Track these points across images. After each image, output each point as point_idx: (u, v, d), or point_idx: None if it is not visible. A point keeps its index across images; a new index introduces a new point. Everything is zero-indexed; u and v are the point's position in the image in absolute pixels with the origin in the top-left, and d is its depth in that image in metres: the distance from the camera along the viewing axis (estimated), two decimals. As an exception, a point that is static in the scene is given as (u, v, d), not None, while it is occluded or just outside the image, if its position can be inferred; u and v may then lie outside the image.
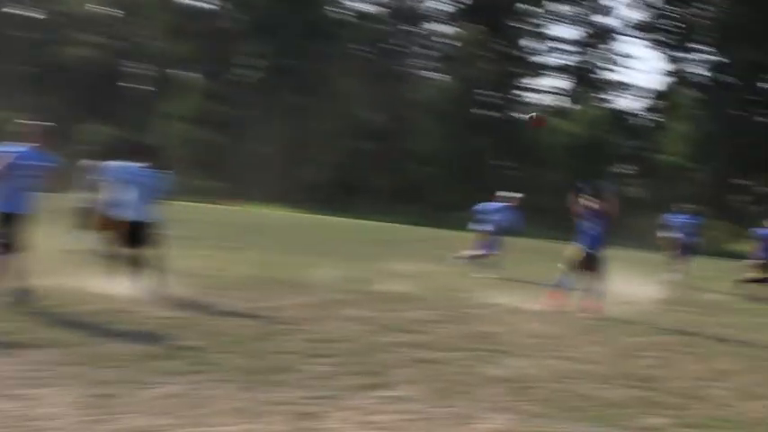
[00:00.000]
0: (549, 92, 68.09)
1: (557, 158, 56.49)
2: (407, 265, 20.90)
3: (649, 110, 65.97)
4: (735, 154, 58.59)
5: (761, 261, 21.41)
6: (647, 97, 66.75)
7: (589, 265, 15.13)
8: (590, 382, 9.21)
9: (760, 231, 21.92)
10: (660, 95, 64.64)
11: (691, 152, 57.23)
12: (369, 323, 11.77)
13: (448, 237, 37.20)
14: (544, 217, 50.62)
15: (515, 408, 7.84)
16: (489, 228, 20.53)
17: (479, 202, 21.31)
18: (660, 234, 24.46)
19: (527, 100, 66.74)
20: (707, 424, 7.88)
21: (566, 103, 65.72)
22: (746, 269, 21.71)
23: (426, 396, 8.00)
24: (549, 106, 65.41)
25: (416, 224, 47.41)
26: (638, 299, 17.10)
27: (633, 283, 18.25)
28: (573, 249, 15.31)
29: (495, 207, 20.80)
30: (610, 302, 15.20)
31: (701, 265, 25.67)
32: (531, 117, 15.50)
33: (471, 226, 21.06)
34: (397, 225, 45.82)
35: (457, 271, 20.59)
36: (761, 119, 61.61)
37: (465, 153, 57.79)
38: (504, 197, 20.99)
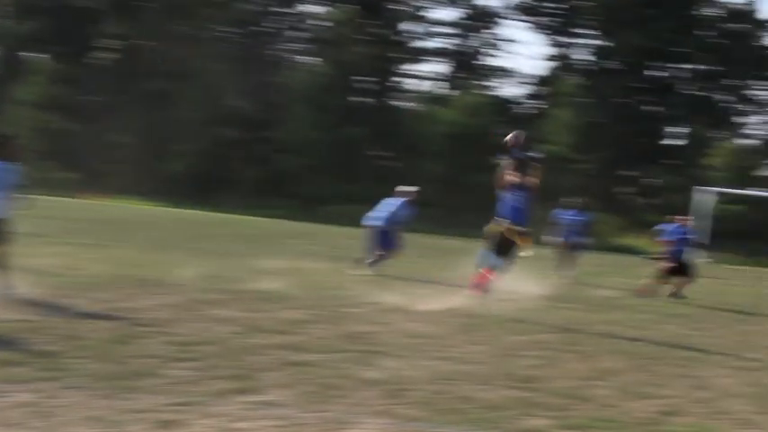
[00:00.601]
0: (429, 78, 68.64)
1: (437, 148, 56.89)
2: (278, 261, 20.90)
3: (532, 97, 66.93)
4: (621, 143, 59.87)
5: (668, 258, 21.77)
6: (529, 84, 67.76)
7: (508, 240, 15.26)
8: (470, 383, 9.35)
9: (666, 227, 22.38)
10: (543, 82, 65.62)
11: (575, 142, 58.23)
12: (237, 324, 11.75)
13: (321, 231, 37.30)
14: (425, 210, 50.94)
15: (391, 412, 7.92)
16: (384, 223, 20.41)
17: (383, 197, 21.16)
18: (548, 233, 24.85)
19: (405, 86, 67.12)
20: (589, 425, 8.08)
21: (445, 89, 66.25)
22: (658, 270, 21.95)
23: (297, 401, 8.03)
24: (428, 93, 65.89)
25: (287, 218, 47.39)
26: (522, 295, 17.39)
27: (517, 279, 18.56)
28: (494, 224, 15.42)
29: (393, 202, 20.71)
30: (493, 299, 15.43)
31: (588, 261, 26.21)
32: (515, 136, 15.50)
33: (365, 222, 20.96)
34: (267, 219, 45.73)
35: (331, 268, 20.66)
36: (648, 107, 63.10)
37: (339, 142, 57.84)
38: (402, 191, 20.92)
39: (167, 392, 7.90)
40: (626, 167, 62.25)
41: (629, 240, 50.65)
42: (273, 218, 47.05)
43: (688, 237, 22.25)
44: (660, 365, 11.57)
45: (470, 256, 17.50)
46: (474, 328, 13.33)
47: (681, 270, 21.71)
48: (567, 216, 24.81)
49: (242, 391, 8.15)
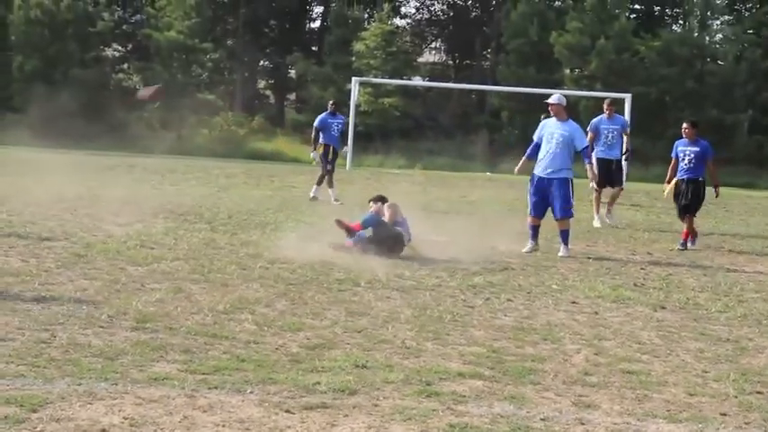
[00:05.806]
0: None
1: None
2: None
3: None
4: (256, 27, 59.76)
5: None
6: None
7: None
8: (81, 326, 9.21)
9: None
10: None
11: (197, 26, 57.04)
12: None
13: None
14: None
15: None
16: None
17: None
18: None
19: None
20: (224, 366, 8.11)
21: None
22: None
23: None
24: None
25: None
26: (144, 217, 17.37)
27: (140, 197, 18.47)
28: None
29: None
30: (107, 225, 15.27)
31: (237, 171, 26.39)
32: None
33: None
34: None
35: None
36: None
37: None
38: None
39: None
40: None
41: (267, 143, 50.62)
42: None
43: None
44: (310, 291, 11.82)
45: None
46: (83, 259, 13.16)
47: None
48: None
49: None
